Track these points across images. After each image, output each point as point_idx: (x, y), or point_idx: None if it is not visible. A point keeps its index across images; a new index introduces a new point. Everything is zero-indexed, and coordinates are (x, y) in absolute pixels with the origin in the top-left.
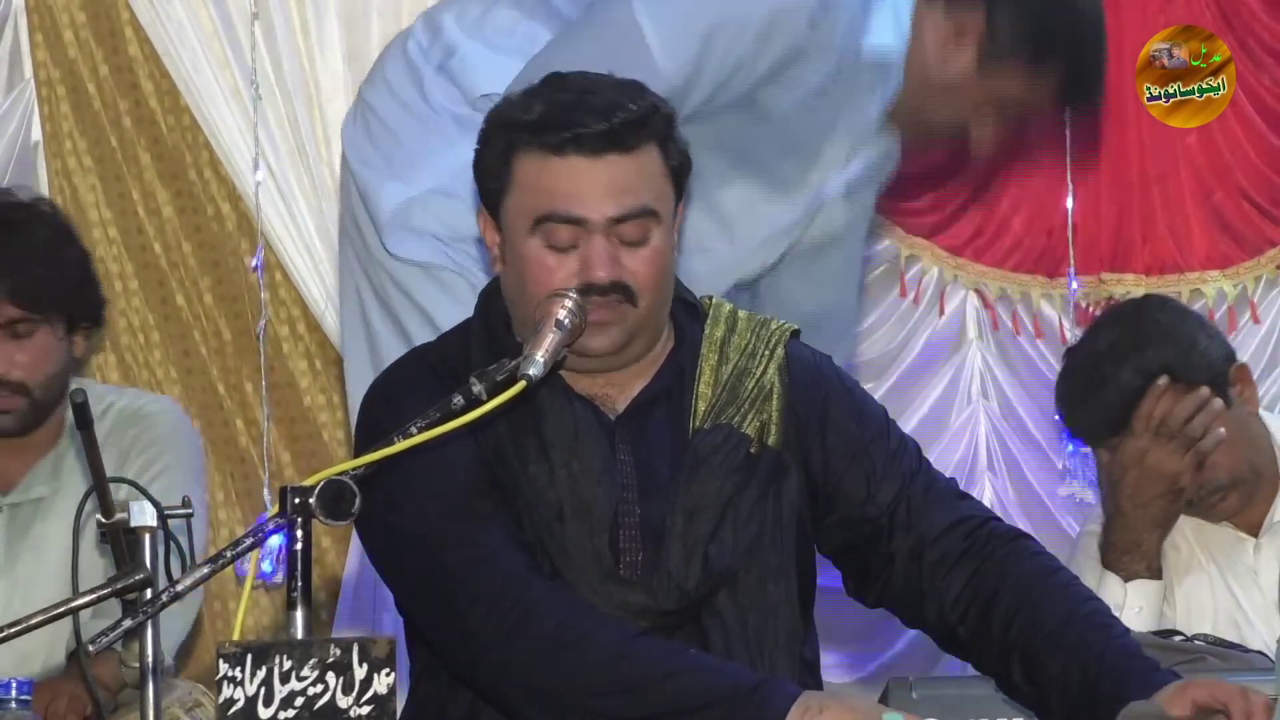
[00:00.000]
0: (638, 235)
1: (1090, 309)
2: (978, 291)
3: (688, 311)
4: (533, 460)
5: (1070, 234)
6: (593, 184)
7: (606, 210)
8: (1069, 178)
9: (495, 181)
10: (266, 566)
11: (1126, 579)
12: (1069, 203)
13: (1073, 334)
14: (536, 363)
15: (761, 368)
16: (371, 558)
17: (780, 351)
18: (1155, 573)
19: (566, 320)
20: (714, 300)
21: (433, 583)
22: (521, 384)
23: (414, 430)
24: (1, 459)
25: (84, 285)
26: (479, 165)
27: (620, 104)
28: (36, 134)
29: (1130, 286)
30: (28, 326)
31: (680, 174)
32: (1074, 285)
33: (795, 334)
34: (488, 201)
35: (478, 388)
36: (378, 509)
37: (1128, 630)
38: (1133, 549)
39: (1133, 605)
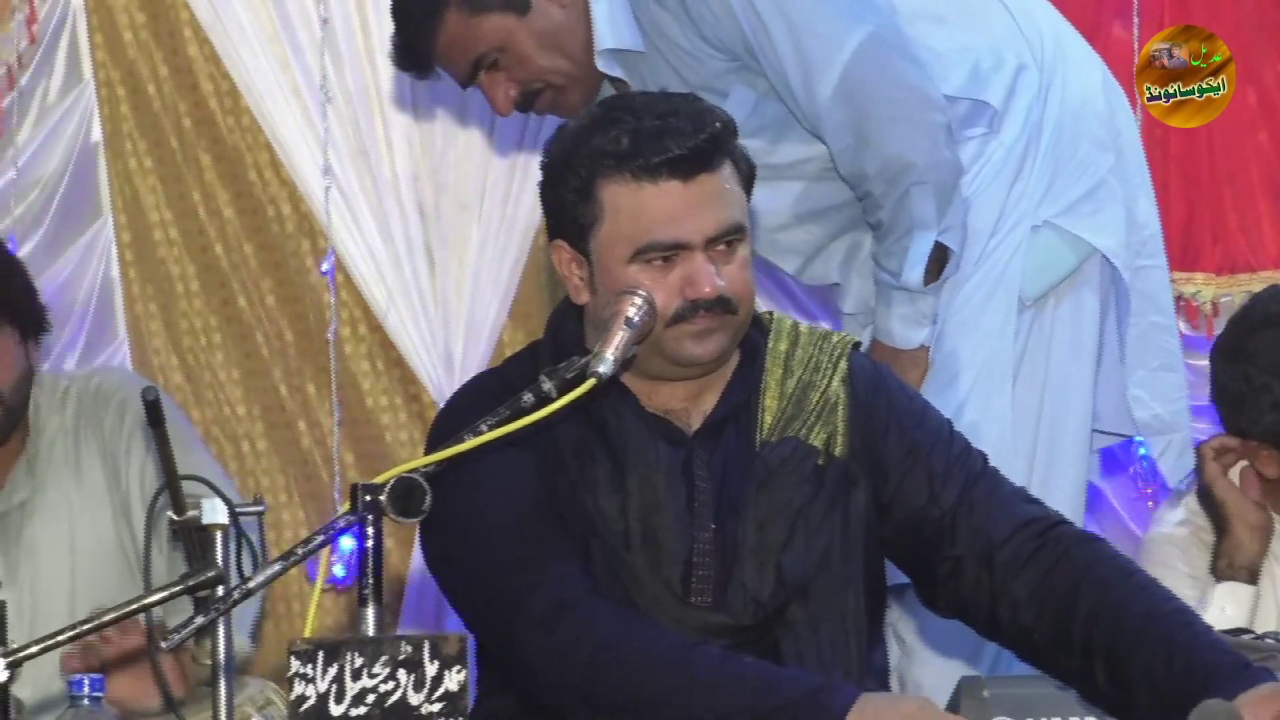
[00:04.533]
0: (728, 247)
1: None
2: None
3: (753, 326)
4: (604, 492)
5: None
6: (689, 206)
7: (706, 231)
8: None
9: (580, 215)
10: (339, 570)
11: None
12: None
13: None
14: (607, 360)
15: (826, 380)
16: (435, 576)
17: (843, 364)
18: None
19: (636, 317)
20: (775, 315)
21: (493, 609)
22: (591, 381)
23: (484, 428)
24: None
25: (30, 291)
26: (555, 201)
27: (704, 123)
28: (97, 134)
29: (1200, 286)
30: None
31: (749, 184)
32: None
33: (856, 345)
34: (568, 235)
35: (548, 385)
36: (441, 530)
37: (1212, 628)
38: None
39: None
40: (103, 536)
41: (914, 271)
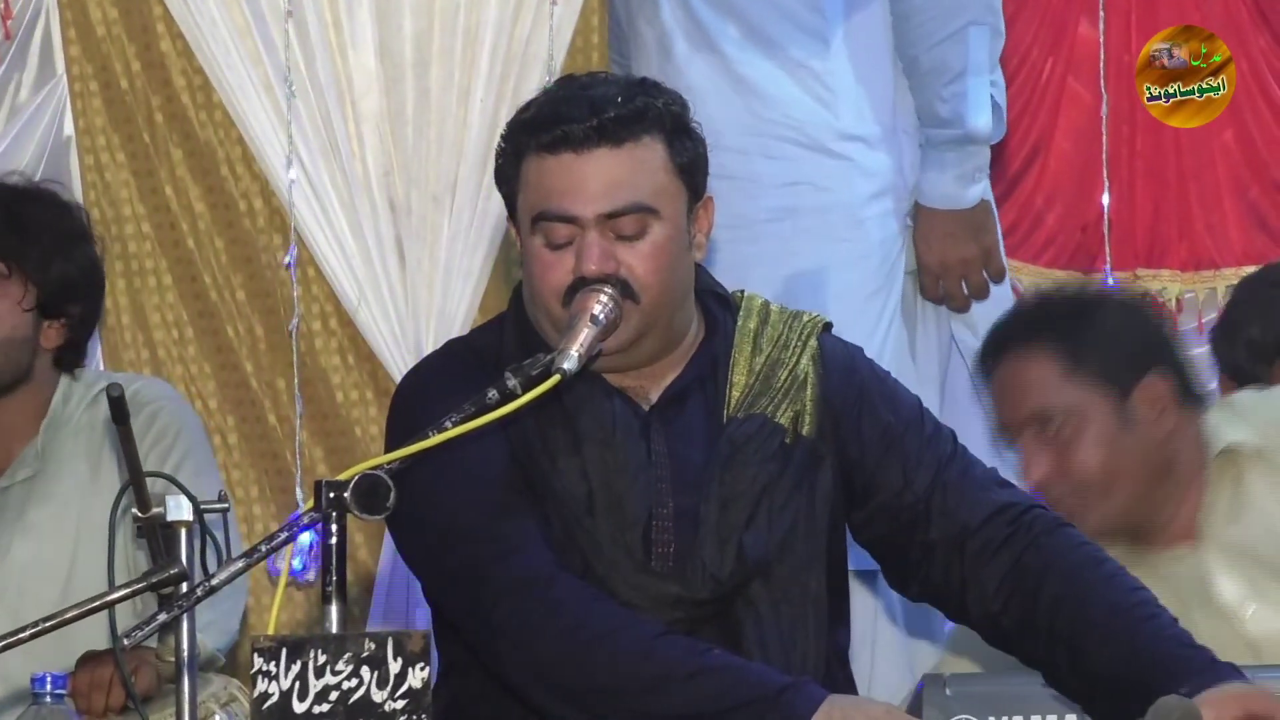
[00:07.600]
0: (634, 230)
1: None
2: (1012, 287)
3: (719, 303)
4: (563, 454)
5: (1106, 229)
6: (582, 180)
7: (597, 206)
8: (1105, 173)
9: (509, 186)
10: (297, 564)
11: None
12: (1105, 198)
13: None
14: (571, 357)
15: (795, 358)
16: (400, 550)
17: (813, 342)
18: None
19: (601, 315)
20: (745, 293)
21: (460, 577)
22: (555, 378)
23: (448, 424)
24: None
25: (79, 280)
26: (497, 173)
27: (610, 98)
28: (69, 129)
29: (1166, 283)
30: None
31: (691, 171)
32: (1110, 281)
33: (827, 326)
34: (510, 207)
35: (512, 382)
36: (408, 502)
37: (1177, 620)
38: None
39: None
40: (125, 543)
41: (979, 117)
